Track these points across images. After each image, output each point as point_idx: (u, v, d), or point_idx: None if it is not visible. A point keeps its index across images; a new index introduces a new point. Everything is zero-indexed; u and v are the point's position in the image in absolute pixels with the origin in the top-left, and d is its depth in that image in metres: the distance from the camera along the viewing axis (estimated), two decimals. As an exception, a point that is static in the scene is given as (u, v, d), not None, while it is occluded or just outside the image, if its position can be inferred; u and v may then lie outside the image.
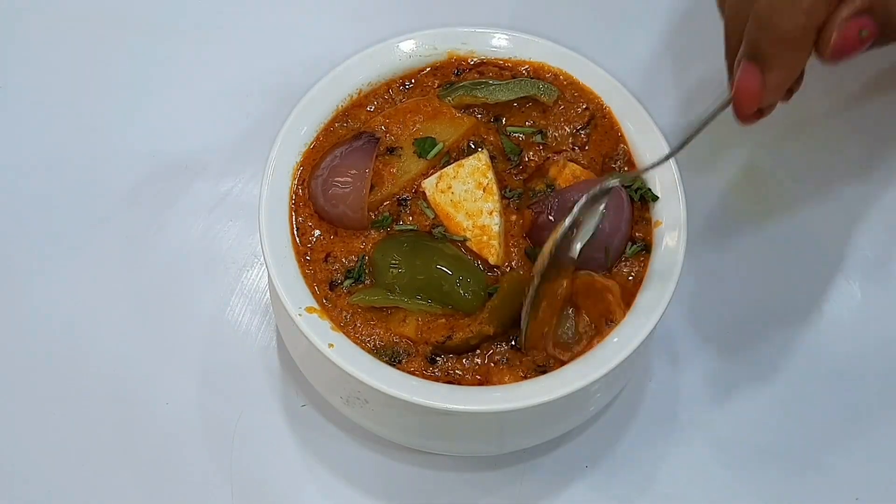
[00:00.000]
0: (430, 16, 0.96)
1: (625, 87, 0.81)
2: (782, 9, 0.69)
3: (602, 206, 0.73)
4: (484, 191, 0.77)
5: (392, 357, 0.73)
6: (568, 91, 0.81)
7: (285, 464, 0.81)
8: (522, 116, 0.81)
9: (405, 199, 0.78)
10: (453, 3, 0.99)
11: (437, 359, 0.73)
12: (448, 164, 0.78)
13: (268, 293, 0.87)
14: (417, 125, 0.79)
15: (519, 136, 0.80)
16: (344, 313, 0.74)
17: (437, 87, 0.81)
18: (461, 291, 0.74)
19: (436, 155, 0.78)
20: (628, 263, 0.76)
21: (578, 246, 0.73)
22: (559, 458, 0.82)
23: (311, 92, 0.79)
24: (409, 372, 0.73)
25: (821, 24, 0.70)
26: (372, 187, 0.77)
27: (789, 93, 0.74)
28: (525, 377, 0.73)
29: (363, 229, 0.77)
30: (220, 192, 0.91)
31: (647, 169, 0.77)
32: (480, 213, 0.76)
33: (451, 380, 0.73)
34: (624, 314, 0.73)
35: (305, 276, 0.75)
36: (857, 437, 0.84)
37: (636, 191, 0.77)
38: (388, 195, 0.77)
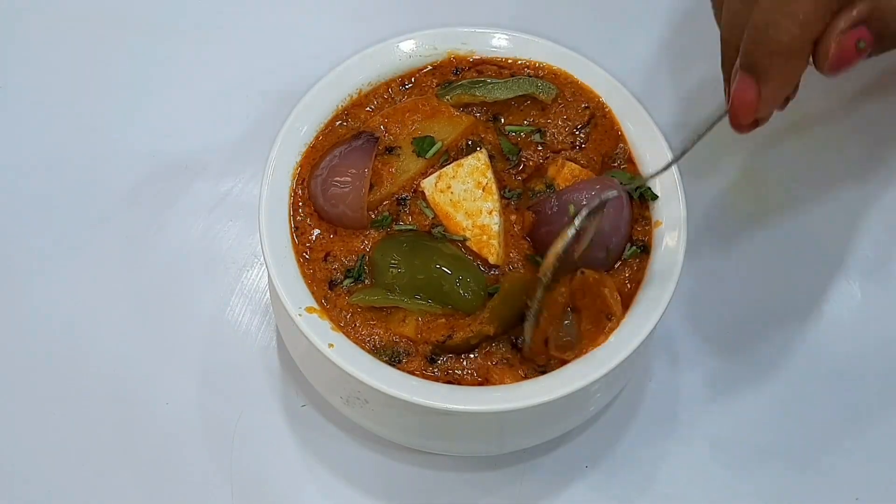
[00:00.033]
0: (430, 16, 0.96)
1: (625, 87, 0.81)
2: (778, 21, 0.69)
3: (601, 213, 0.73)
4: (483, 190, 0.77)
5: (392, 357, 0.73)
6: (567, 90, 0.81)
7: (285, 464, 0.81)
8: (521, 115, 0.81)
9: (404, 199, 0.78)
10: (453, 3, 0.99)
11: (437, 359, 0.73)
12: (447, 163, 0.78)
13: (268, 293, 0.86)
14: (416, 124, 0.79)
15: (517, 136, 0.80)
16: (344, 313, 0.74)
17: (436, 86, 0.81)
18: (461, 291, 0.74)
19: (434, 154, 0.78)
20: (628, 264, 0.76)
21: (578, 253, 0.73)
22: (559, 458, 0.82)
23: (311, 92, 0.79)
24: (409, 372, 0.73)
25: (817, 36, 0.69)
26: (371, 187, 0.77)
27: (785, 101, 0.74)
28: (525, 377, 0.73)
29: (363, 229, 0.77)
30: (220, 192, 0.91)
31: (649, 178, 0.77)
32: (480, 213, 0.76)
33: (450, 380, 0.73)
34: (621, 307, 0.73)
35: (305, 275, 0.75)
36: (857, 437, 0.84)
37: (636, 189, 0.77)
38: (388, 195, 0.77)
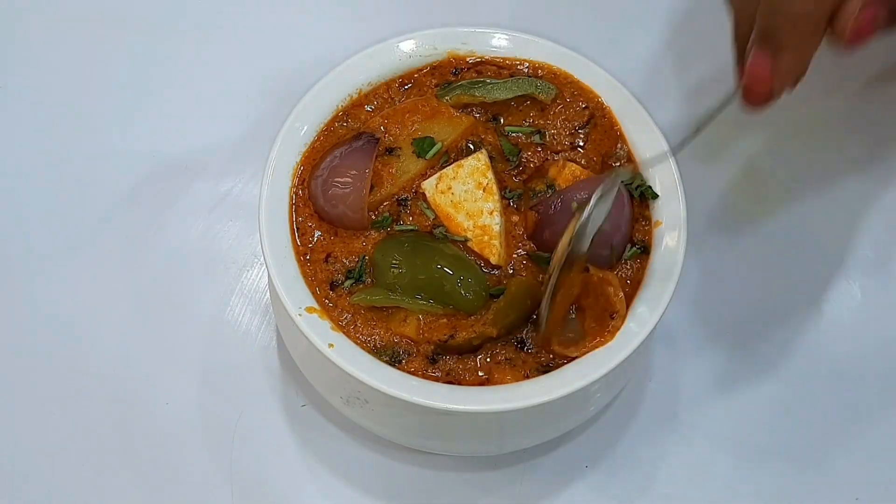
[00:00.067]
0: (430, 16, 0.96)
1: (625, 87, 0.81)
2: None
3: (611, 199, 0.73)
4: (484, 191, 0.77)
5: (392, 357, 0.73)
6: (567, 90, 0.81)
7: (285, 464, 0.81)
8: (520, 115, 0.81)
9: (405, 200, 0.78)
10: (453, 3, 0.99)
11: (438, 359, 0.73)
12: (447, 163, 0.78)
13: (268, 293, 0.86)
14: (416, 125, 0.79)
15: (517, 137, 0.80)
16: (344, 313, 0.74)
17: (435, 86, 0.81)
18: (462, 291, 0.74)
19: (434, 155, 0.78)
20: (628, 264, 0.76)
21: (588, 240, 0.73)
22: (559, 458, 0.82)
23: (311, 92, 0.79)
24: (410, 372, 0.73)
25: (833, 9, 0.70)
26: (372, 187, 0.77)
27: (795, 80, 0.74)
28: (527, 377, 0.73)
29: (363, 229, 0.77)
30: (220, 192, 0.91)
31: (657, 159, 0.76)
32: (481, 213, 0.76)
33: (451, 380, 0.73)
34: (625, 305, 0.73)
35: (305, 276, 0.75)
36: (857, 437, 0.84)
37: (636, 188, 0.77)
38: (388, 195, 0.77)
